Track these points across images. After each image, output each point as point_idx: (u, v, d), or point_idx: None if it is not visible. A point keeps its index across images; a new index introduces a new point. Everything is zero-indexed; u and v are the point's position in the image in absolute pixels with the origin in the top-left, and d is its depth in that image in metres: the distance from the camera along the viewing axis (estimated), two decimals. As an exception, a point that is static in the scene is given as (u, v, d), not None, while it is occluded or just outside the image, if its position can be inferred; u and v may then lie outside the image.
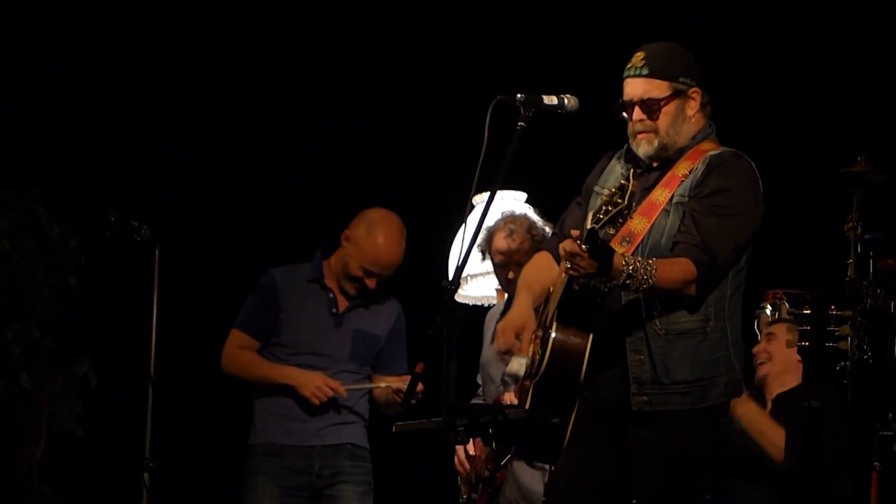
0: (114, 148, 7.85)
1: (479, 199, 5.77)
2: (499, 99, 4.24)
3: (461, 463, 5.80)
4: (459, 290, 6.37)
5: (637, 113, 4.39)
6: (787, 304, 5.62)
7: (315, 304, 5.82)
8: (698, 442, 4.34)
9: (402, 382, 5.69)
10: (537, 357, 4.37)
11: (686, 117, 4.41)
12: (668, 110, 4.38)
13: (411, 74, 7.67)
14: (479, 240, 5.88)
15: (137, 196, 7.27)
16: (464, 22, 7.63)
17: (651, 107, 4.37)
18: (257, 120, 7.91)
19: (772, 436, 5.37)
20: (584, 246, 3.99)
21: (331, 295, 5.82)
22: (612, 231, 4.14)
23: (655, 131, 4.38)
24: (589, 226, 4.05)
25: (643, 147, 4.41)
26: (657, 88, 4.37)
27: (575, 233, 4.19)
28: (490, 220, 5.88)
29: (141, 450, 6.02)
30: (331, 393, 5.65)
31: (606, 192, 4.37)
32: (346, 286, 5.80)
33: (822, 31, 6.86)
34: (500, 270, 5.83)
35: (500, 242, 5.76)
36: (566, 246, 4.08)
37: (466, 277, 6.54)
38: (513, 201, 6.47)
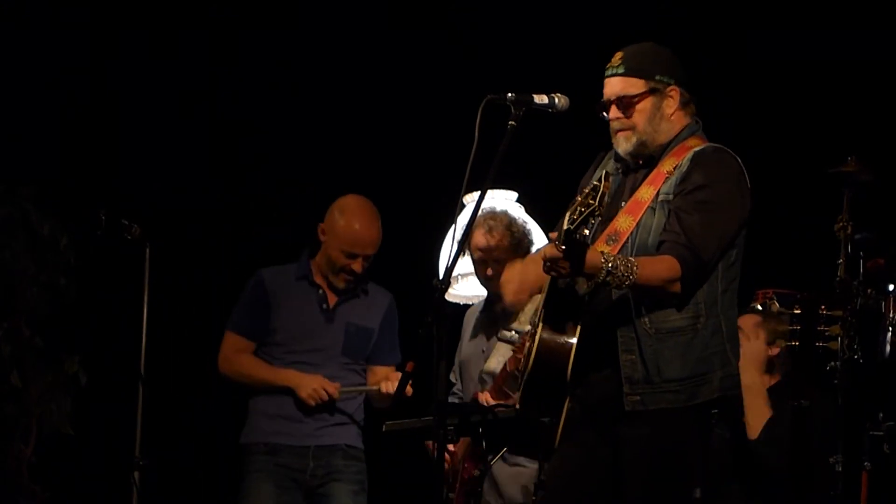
0: (105, 146, 7.83)
1: (470, 199, 5.76)
2: (489, 98, 4.25)
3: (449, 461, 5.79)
4: (449, 289, 6.38)
5: (613, 111, 4.42)
6: (777, 304, 5.62)
7: (305, 300, 5.85)
8: (689, 441, 4.32)
9: (394, 383, 5.71)
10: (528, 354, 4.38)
11: (664, 115, 4.42)
12: (642, 107, 4.40)
13: (402, 73, 7.66)
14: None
15: (128, 194, 7.26)
16: (455, 20, 7.62)
17: (626, 104, 4.40)
18: (249, 119, 7.89)
19: (758, 413, 5.40)
20: (561, 247, 4.00)
21: (320, 291, 5.86)
22: (586, 231, 4.15)
23: (633, 128, 4.41)
24: (565, 227, 4.07)
25: (622, 144, 4.43)
26: (632, 86, 4.40)
27: (553, 234, 4.20)
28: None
29: (131, 448, 6.01)
30: (326, 396, 5.67)
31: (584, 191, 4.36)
32: (335, 281, 5.84)
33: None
34: (478, 267, 5.82)
35: (479, 239, 5.73)
36: (547, 251, 4.11)
37: (457, 276, 6.54)
38: (503, 200, 6.47)
